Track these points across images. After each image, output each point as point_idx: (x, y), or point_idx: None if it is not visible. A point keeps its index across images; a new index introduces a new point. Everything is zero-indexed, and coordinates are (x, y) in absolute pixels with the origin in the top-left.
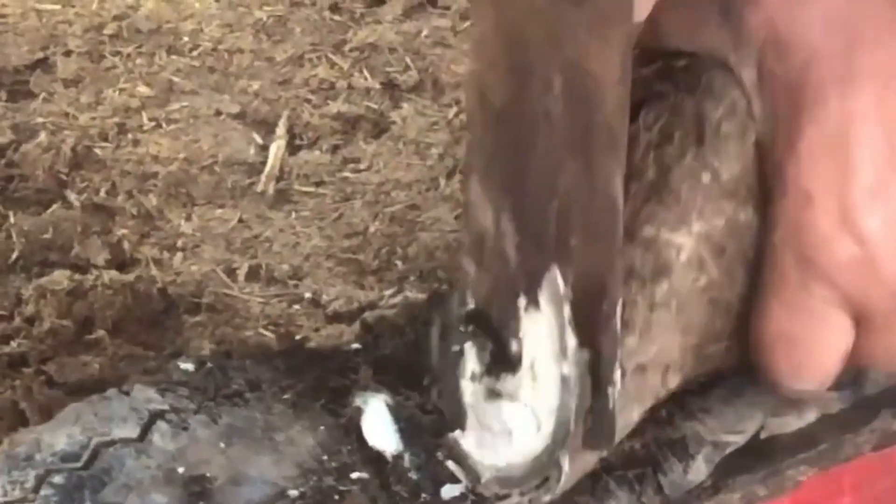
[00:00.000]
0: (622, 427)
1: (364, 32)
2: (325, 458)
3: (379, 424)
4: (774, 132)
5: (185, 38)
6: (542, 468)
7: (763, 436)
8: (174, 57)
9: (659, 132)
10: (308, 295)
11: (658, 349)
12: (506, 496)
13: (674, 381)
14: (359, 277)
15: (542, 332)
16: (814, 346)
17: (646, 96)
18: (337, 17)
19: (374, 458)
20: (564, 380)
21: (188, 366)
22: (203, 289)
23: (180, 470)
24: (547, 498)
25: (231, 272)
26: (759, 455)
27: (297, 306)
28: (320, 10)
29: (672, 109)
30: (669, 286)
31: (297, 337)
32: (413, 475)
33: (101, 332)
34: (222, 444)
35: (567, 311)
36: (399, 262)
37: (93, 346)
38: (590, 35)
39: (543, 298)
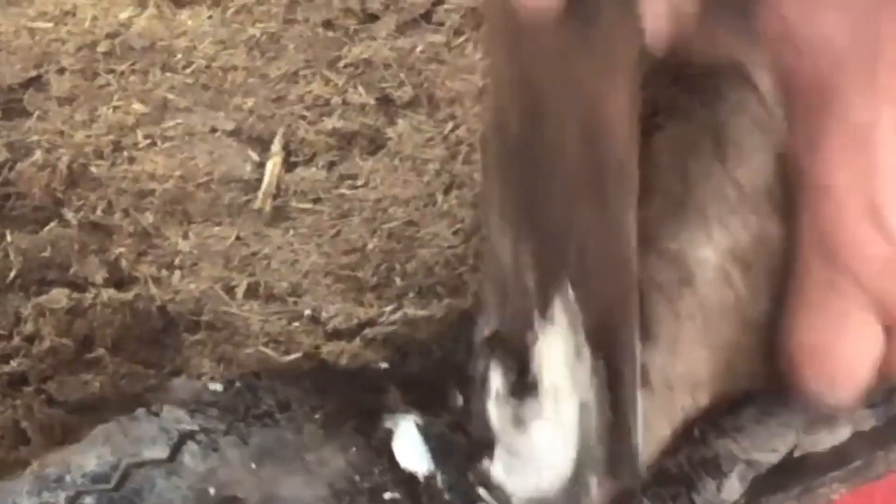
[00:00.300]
0: (652, 442)
1: (358, 48)
2: (357, 478)
3: (410, 445)
4: (794, 132)
5: (179, 56)
6: (572, 494)
7: (796, 454)
8: (168, 74)
9: (681, 148)
10: (308, 312)
11: (685, 366)
12: None
13: (703, 399)
14: (358, 294)
15: (558, 352)
16: (845, 352)
17: (663, 107)
18: (330, 34)
19: (406, 479)
20: (583, 400)
21: (217, 386)
22: (202, 307)
23: (211, 491)
24: None
25: (230, 290)
26: (791, 473)
27: (296, 323)
28: (313, 26)
29: (694, 124)
30: (695, 299)
31: (297, 355)
32: (446, 496)
33: (101, 351)
34: (253, 465)
35: (582, 330)
36: (398, 279)
37: (93, 364)
38: (601, 78)
39: (558, 316)
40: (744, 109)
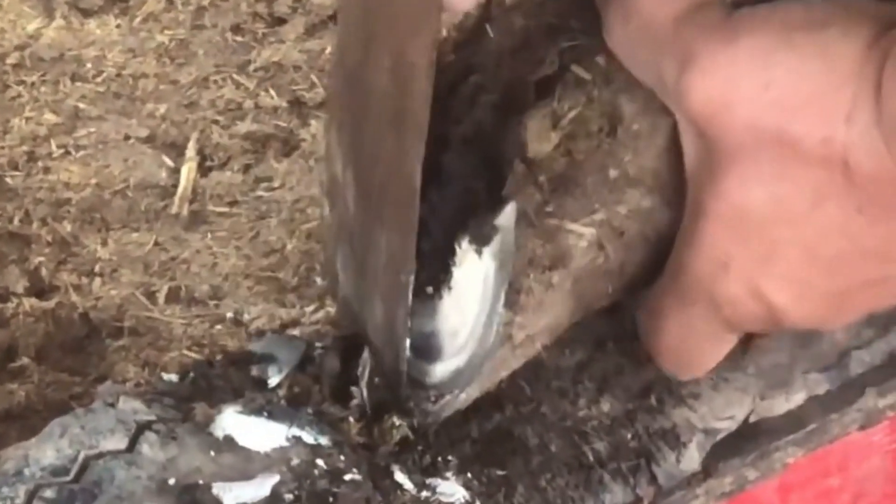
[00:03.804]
0: (502, 377)
1: (268, 52)
2: (319, 461)
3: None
4: (700, 183)
5: (89, 65)
6: None
7: (752, 419)
8: (79, 84)
9: (571, 122)
10: (230, 314)
11: (548, 322)
12: None
13: (557, 335)
14: (279, 295)
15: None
16: (701, 356)
17: (559, 75)
18: (239, 38)
19: (367, 459)
20: None
21: (172, 377)
22: (124, 312)
23: (172, 479)
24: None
25: (151, 295)
26: (747, 438)
27: (219, 326)
28: (222, 31)
29: (587, 100)
30: (567, 271)
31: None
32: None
33: (25, 360)
34: (212, 452)
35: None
36: (318, 279)
37: (17, 374)
38: (409, 25)
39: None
40: (638, 92)
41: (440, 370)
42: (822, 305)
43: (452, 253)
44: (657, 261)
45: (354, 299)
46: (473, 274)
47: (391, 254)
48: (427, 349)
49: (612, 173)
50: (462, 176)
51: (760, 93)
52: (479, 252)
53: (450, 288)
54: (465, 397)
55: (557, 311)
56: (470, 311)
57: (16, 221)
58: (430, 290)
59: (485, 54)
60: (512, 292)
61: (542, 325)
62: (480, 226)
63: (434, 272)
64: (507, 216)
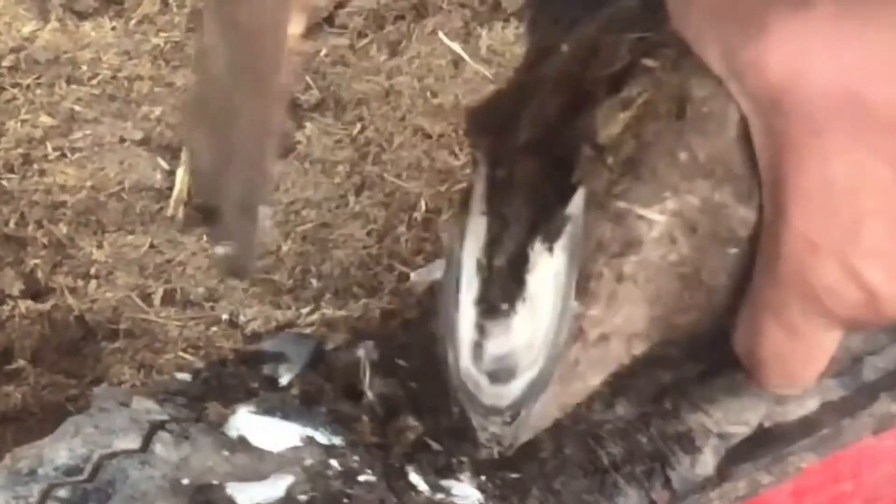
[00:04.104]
0: (581, 391)
1: None
2: (333, 462)
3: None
4: (777, 164)
5: (84, 67)
6: None
7: (766, 424)
8: (74, 86)
9: (640, 107)
10: (225, 316)
11: (623, 320)
12: None
13: (638, 349)
14: (275, 297)
15: None
16: (810, 362)
17: (630, 68)
18: None
19: (381, 460)
20: None
21: (185, 376)
22: (119, 315)
23: (186, 479)
24: None
25: (146, 297)
26: (761, 443)
27: (214, 328)
28: None
29: (656, 85)
30: (638, 260)
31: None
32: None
33: (20, 362)
34: (226, 452)
35: None
36: (314, 281)
37: (14, 376)
38: None
39: None
40: (708, 78)
41: (515, 388)
42: None
43: (525, 261)
44: (737, 276)
45: (213, 171)
46: (546, 275)
47: (255, 122)
48: (504, 371)
49: (682, 157)
50: (531, 180)
51: (834, 59)
52: (551, 249)
53: (524, 299)
54: (541, 408)
55: (631, 310)
56: (543, 316)
57: (11, 224)
58: (504, 307)
59: (554, 64)
60: (582, 279)
61: (616, 323)
62: (550, 220)
63: (508, 287)
64: (576, 203)
